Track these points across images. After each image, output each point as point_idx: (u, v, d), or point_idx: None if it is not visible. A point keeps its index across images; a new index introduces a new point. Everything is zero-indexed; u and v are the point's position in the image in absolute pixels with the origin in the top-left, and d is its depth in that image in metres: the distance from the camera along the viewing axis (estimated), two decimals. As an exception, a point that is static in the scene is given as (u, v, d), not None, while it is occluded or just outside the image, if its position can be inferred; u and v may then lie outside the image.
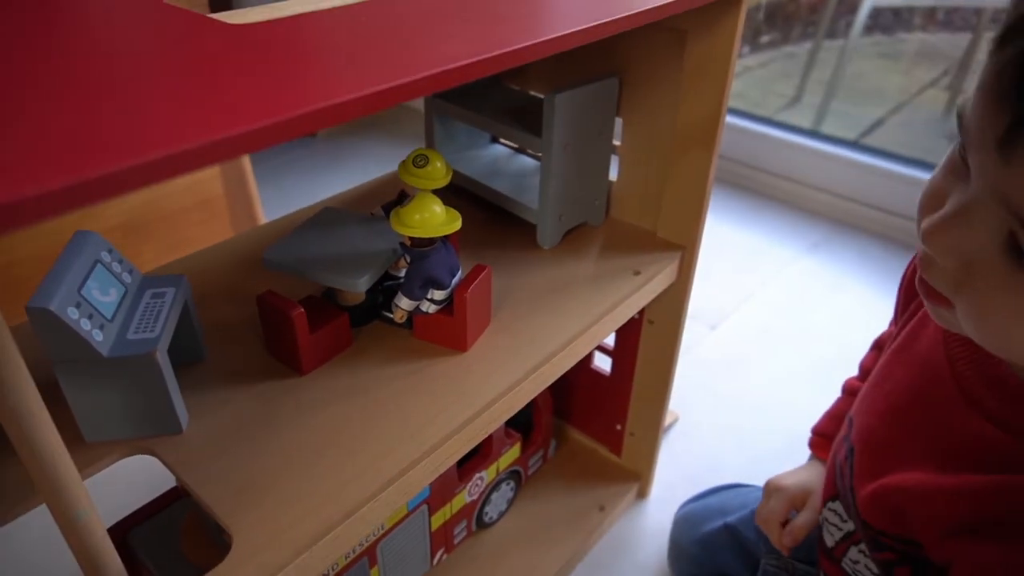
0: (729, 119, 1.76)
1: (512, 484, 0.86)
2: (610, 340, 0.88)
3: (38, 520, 0.49)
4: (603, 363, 0.91)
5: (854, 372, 0.72)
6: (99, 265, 0.49)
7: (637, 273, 0.70)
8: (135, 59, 0.35)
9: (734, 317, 1.30)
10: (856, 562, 0.56)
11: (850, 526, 0.56)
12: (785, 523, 0.66)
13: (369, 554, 0.67)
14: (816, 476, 0.68)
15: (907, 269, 0.58)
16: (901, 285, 0.60)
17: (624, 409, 0.90)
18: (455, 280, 0.57)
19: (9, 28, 0.38)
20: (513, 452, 0.83)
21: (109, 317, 0.47)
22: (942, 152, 0.41)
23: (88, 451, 0.49)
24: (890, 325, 0.67)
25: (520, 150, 0.86)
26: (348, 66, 0.35)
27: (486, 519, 0.84)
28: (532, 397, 0.59)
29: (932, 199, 0.40)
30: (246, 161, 1.34)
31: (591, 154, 0.71)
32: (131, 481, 0.83)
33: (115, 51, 0.36)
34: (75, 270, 0.47)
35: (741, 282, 1.40)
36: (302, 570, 0.43)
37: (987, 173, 0.35)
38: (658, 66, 0.68)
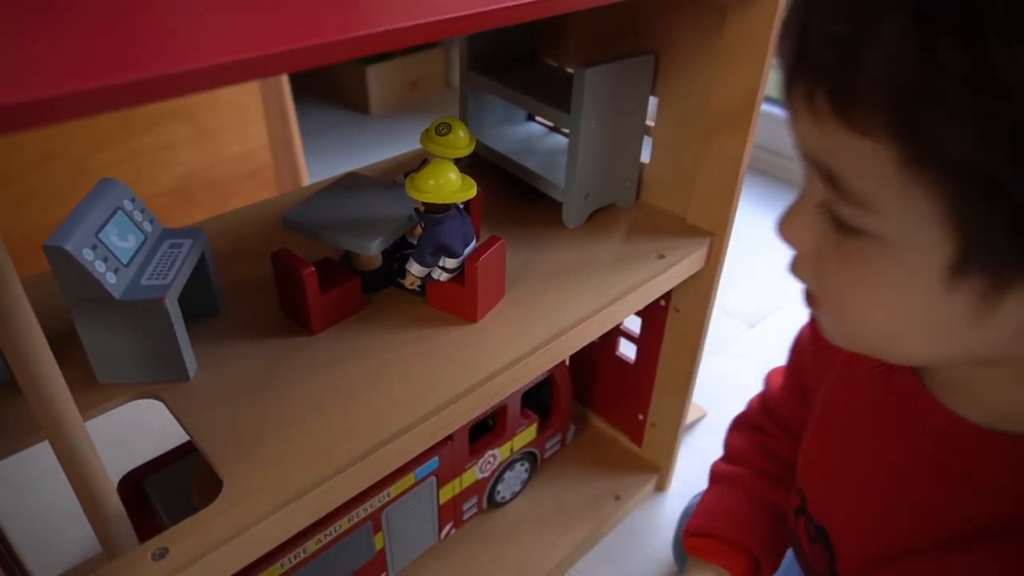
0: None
1: (527, 465, 0.85)
2: (636, 327, 0.86)
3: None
4: (628, 351, 0.89)
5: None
6: (120, 212, 0.51)
7: (661, 257, 0.68)
8: None
9: (773, 317, 1.27)
10: None
11: None
12: None
13: (374, 519, 0.68)
14: None
15: (799, 333, 0.59)
16: (795, 348, 0.60)
17: (647, 399, 0.89)
18: (468, 250, 0.57)
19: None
20: (529, 432, 0.82)
21: (125, 262, 0.49)
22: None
23: (100, 391, 0.50)
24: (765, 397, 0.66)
25: (555, 129, 0.85)
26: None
27: (498, 498, 0.84)
28: (539, 373, 0.58)
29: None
30: (295, 133, 1.36)
31: (622, 133, 0.70)
32: (150, 432, 0.86)
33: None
34: (95, 214, 0.48)
35: (784, 282, 1.36)
36: (288, 518, 0.44)
37: (796, 136, 0.34)
38: (696, 44, 0.66)
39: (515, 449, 0.82)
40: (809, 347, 0.57)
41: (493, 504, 0.84)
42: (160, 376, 0.51)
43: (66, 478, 0.39)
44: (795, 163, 1.70)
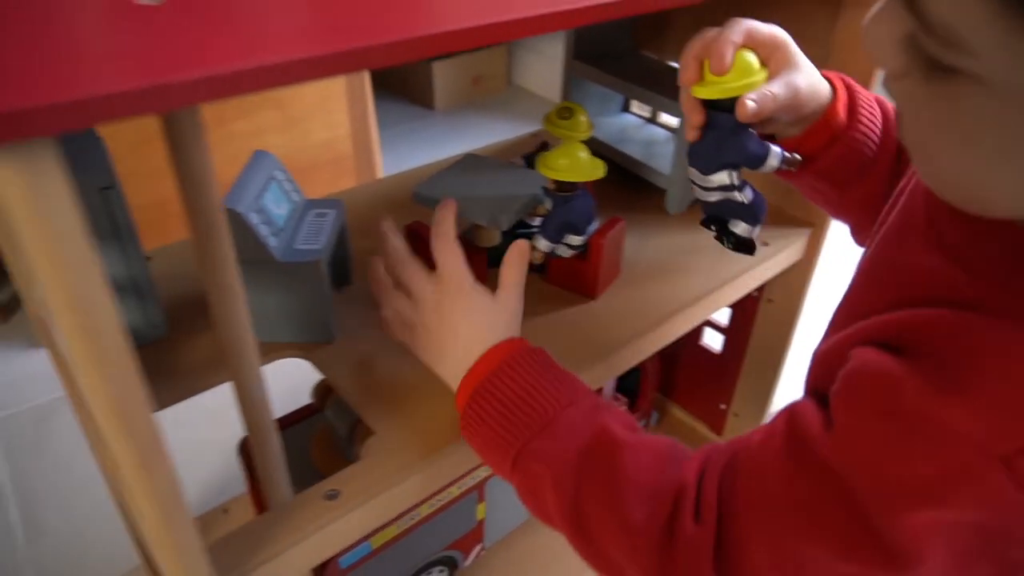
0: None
1: (612, 448, 0.87)
2: (722, 317, 0.88)
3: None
4: (712, 340, 0.91)
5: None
6: (273, 182, 0.54)
7: (765, 244, 0.70)
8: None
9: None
10: None
11: None
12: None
13: (479, 489, 0.70)
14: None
15: None
16: None
17: (730, 389, 0.90)
18: (591, 228, 0.59)
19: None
20: (617, 415, 0.84)
21: (281, 226, 0.52)
22: None
23: (251, 349, 0.54)
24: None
25: (650, 120, 0.87)
26: None
27: (584, 478, 0.86)
28: (655, 351, 0.60)
29: None
30: (373, 124, 1.40)
31: (729, 123, 0.71)
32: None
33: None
34: (255, 183, 0.52)
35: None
36: (435, 468, 0.47)
37: None
38: (807, 38, 0.67)
39: (604, 431, 0.83)
40: None
41: (579, 484, 0.86)
42: (308, 336, 0.54)
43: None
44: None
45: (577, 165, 0.56)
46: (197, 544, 0.34)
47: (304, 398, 0.67)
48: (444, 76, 2.05)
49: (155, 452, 0.30)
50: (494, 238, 0.64)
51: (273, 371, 0.54)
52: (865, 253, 0.47)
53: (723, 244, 0.53)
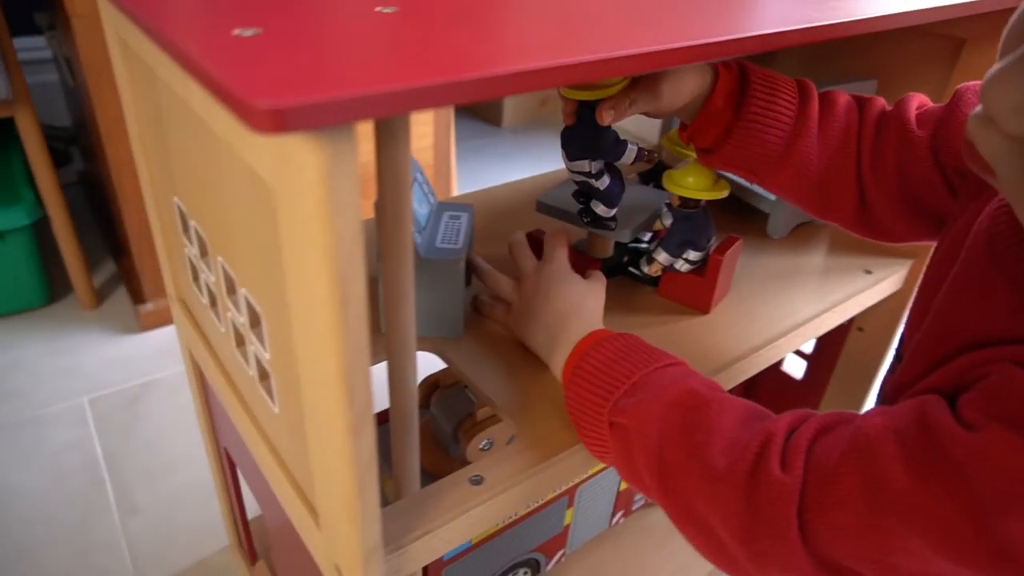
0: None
1: (691, 466, 0.88)
2: (806, 344, 0.88)
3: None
4: (793, 366, 0.91)
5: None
6: (416, 184, 0.57)
7: (868, 272, 0.71)
8: None
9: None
10: None
11: None
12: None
13: (570, 494, 0.72)
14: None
15: None
16: None
17: (811, 415, 0.90)
18: (710, 245, 0.61)
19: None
20: (700, 434, 0.85)
21: (424, 225, 0.55)
22: None
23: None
24: None
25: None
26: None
27: (662, 494, 0.87)
28: (764, 367, 0.61)
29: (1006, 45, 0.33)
30: (452, 138, 1.44)
31: (836, 152, 0.73)
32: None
33: None
34: (402, 182, 0.55)
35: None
36: (569, 462, 0.48)
37: None
38: (925, 74, 0.69)
39: (686, 448, 0.85)
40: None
41: (657, 500, 0.87)
42: (439, 331, 0.56)
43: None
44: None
45: (705, 183, 0.58)
46: (377, 513, 0.37)
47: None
48: (514, 96, 2.10)
49: (365, 418, 0.33)
50: (607, 249, 0.66)
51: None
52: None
53: (582, 219, 0.62)
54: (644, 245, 0.67)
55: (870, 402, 0.84)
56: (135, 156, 0.56)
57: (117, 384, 1.15)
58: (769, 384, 0.95)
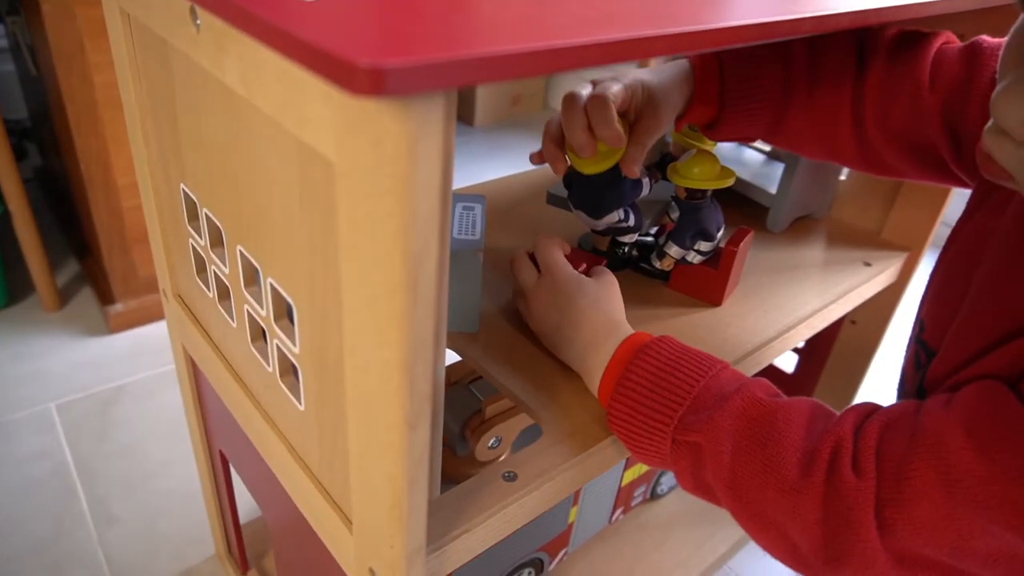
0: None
1: (687, 461, 0.88)
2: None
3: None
4: (784, 360, 0.92)
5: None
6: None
7: (868, 264, 0.72)
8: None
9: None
10: None
11: None
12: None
13: (575, 492, 0.71)
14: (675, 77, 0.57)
15: None
16: None
17: (802, 409, 0.91)
18: (720, 234, 0.61)
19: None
20: (697, 429, 0.85)
21: (440, 217, 0.53)
22: None
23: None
24: None
25: (745, 144, 0.89)
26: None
27: (659, 490, 0.87)
28: (777, 357, 0.61)
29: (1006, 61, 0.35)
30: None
31: (835, 146, 0.73)
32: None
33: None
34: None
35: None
36: (600, 456, 0.47)
37: None
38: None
39: (684, 443, 0.84)
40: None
41: (654, 495, 0.87)
42: (458, 325, 0.55)
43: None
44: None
45: (711, 173, 0.58)
46: (424, 513, 0.35)
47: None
48: (486, 95, 2.09)
49: (423, 411, 0.31)
50: (603, 244, 0.65)
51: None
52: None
53: (616, 253, 0.64)
54: (650, 239, 0.66)
55: (861, 395, 0.85)
56: (132, 143, 0.53)
57: (86, 389, 1.10)
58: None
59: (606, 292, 0.53)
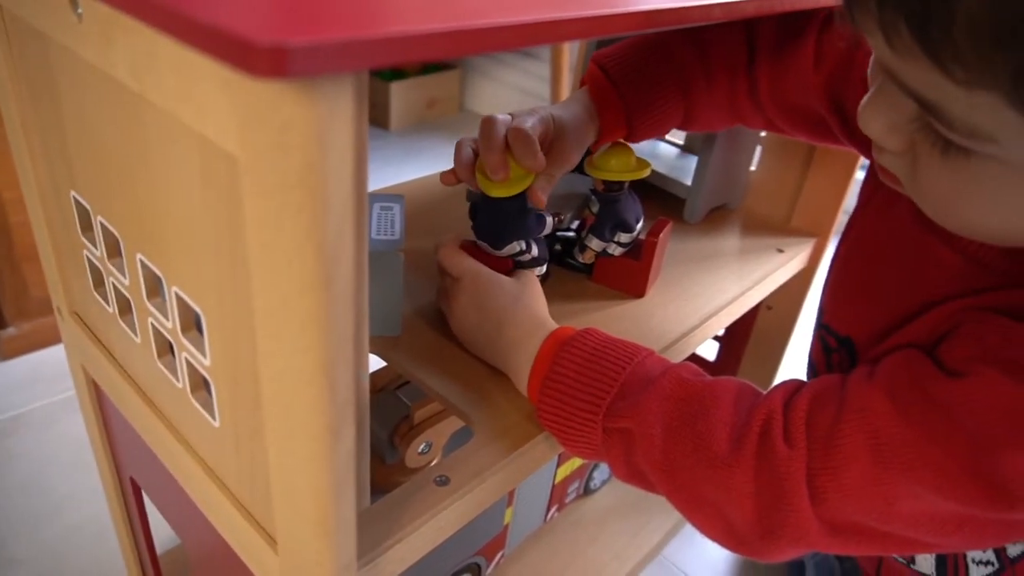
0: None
1: (618, 454, 0.89)
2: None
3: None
4: (706, 349, 0.94)
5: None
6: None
7: (780, 251, 0.74)
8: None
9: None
10: None
11: None
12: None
13: (509, 493, 0.70)
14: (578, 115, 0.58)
15: None
16: None
17: (725, 395, 0.94)
18: (639, 227, 0.61)
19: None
20: (626, 421, 0.86)
21: (357, 218, 0.51)
22: None
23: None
24: None
25: (658, 138, 0.91)
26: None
27: (592, 485, 0.87)
28: (700, 344, 0.62)
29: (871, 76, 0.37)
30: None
31: (744, 141, 0.76)
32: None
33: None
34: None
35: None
36: (531, 456, 0.47)
37: (873, 51, 0.33)
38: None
39: (614, 436, 0.85)
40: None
41: (587, 491, 0.87)
42: (380, 329, 0.53)
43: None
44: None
45: (627, 165, 0.58)
46: (353, 526, 0.34)
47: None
48: (400, 98, 2.06)
49: (345, 415, 0.30)
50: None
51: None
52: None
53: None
54: (572, 234, 0.66)
55: (779, 378, 0.88)
56: (15, 150, 0.48)
57: (-23, 421, 1.01)
58: (684, 368, 0.97)
59: (527, 289, 0.52)
